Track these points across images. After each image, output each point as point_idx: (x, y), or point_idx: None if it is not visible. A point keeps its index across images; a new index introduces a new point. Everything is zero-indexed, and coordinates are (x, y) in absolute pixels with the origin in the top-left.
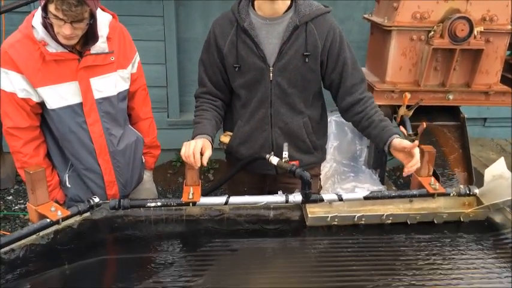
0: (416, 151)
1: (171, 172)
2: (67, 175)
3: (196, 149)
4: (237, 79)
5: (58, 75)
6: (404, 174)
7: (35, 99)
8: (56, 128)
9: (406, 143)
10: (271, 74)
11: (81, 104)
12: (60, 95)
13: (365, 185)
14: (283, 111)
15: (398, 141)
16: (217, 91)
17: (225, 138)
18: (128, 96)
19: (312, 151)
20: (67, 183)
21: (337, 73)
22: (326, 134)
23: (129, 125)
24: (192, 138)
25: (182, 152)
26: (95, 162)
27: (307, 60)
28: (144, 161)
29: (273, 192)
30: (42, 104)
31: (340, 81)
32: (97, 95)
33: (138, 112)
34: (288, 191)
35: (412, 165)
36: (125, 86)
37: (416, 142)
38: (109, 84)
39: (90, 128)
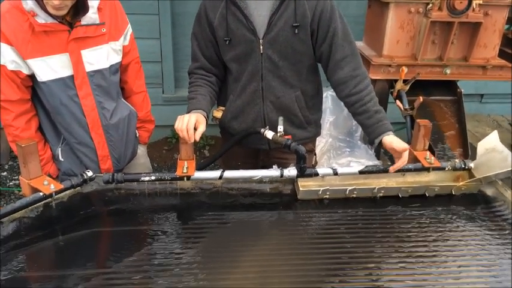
0: (406, 154)
1: (167, 148)
2: (60, 149)
3: (190, 124)
4: (227, 52)
5: (48, 47)
6: (391, 170)
7: (25, 71)
8: (47, 101)
9: (396, 144)
10: (261, 47)
11: (72, 76)
12: (50, 67)
13: (360, 160)
14: (275, 84)
15: (389, 141)
16: (211, 66)
17: (218, 113)
18: (120, 69)
19: (305, 126)
20: (60, 157)
21: (326, 45)
22: (321, 109)
23: (122, 99)
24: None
25: (176, 125)
26: (88, 136)
27: (296, 31)
28: (137, 135)
29: (266, 167)
30: (32, 77)
31: (329, 53)
32: (88, 68)
33: (131, 86)
34: (281, 165)
35: (397, 167)
36: (117, 58)
37: (407, 146)
38: (101, 57)
39: (82, 101)
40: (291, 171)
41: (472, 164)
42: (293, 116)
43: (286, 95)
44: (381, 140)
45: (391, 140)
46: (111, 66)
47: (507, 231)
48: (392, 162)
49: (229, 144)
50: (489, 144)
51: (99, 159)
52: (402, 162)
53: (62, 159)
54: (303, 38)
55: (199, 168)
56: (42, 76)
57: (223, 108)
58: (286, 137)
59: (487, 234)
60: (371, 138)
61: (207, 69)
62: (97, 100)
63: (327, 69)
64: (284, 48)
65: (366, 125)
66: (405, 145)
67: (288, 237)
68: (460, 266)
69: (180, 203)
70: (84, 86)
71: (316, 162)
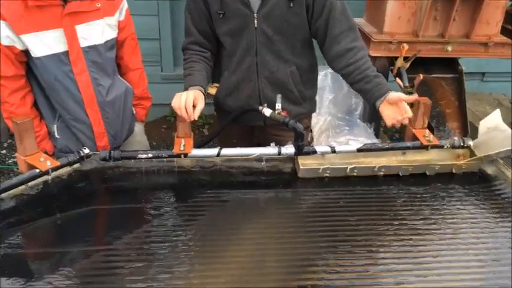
0: (408, 107)
1: (165, 127)
2: (55, 125)
3: (189, 102)
4: (221, 26)
5: (42, 22)
6: (395, 123)
7: (19, 46)
8: (41, 77)
9: (402, 95)
10: (255, 21)
11: (66, 52)
12: (44, 43)
13: (359, 139)
14: (269, 59)
15: (396, 95)
16: (205, 41)
17: (212, 90)
18: (116, 45)
19: (301, 102)
20: (56, 133)
21: (323, 19)
22: (316, 85)
23: (118, 76)
24: (184, 90)
25: (173, 103)
26: (83, 112)
27: (291, 5)
28: (134, 112)
29: (261, 144)
30: (27, 52)
31: (326, 28)
32: (83, 43)
33: (127, 62)
34: (276, 142)
35: (400, 119)
36: (112, 34)
37: (416, 95)
38: (95, 32)
39: (77, 77)
40: (289, 149)
41: (471, 142)
42: (288, 91)
43: (281, 70)
44: (385, 98)
45: (399, 94)
46: (107, 42)
47: (507, 210)
48: (392, 141)
49: (227, 122)
50: (491, 122)
51: (95, 136)
52: (406, 114)
53: (58, 136)
54: (297, 12)
55: (197, 146)
56: (36, 52)
57: (217, 85)
58: (282, 113)
59: (487, 213)
60: (373, 100)
61: (201, 44)
62: (92, 76)
63: (324, 44)
64: (279, 23)
65: (366, 89)
66: (408, 96)
67: (288, 215)
68: (459, 245)
69: (179, 181)
70: (79, 62)
71: (312, 139)
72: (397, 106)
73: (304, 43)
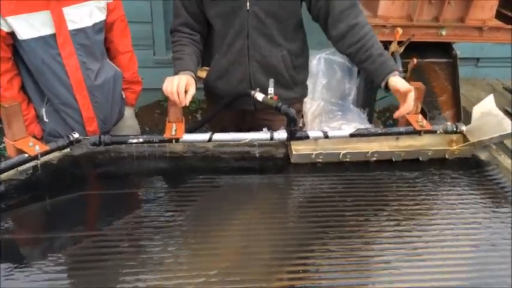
0: (411, 96)
1: (159, 112)
2: (44, 109)
3: (181, 87)
4: (212, 8)
5: (28, 4)
6: (395, 116)
7: (5, 28)
8: (28, 60)
9: (400, 84)
10: (247, 3)
11: (54, 35)
12: (31, 25)
13: (352, 124)
14: (261, 43)
15: (393, 83)
16: (194, 22)
17: (202, 73)
18: (105, 28)
19: (292, 86)
20: (44, 117)
21: (324, 0)
22: (307, 69)
23: (107, 59)
24: (175, 75)
25: (164, 87)
26: (72, 97)
27: None
28: (124, 97)
29: (252, 128)
30: (13, 35)
31: (328, 9)
32: (71, 26)
33: (116, 45)
34: (267, 127)
35: (403, 111)
36: (101, 16)
37: (411, 87)
38: (83, 14)
39: (65, 61)
40: (281, 134)
41: (464, 128)
42: (280, 76)
43: (273, 54)
44: (388, 82)
45: (396, 81)
46: (95, 24)
47: (500, 195)
48: (386, 127)
49: (220, 107)
50: (484, 108)
51: (84, 121)
52: (407, 107)
53: (47, 120)
54: None
55: (189, 130)
56: (22, 34)
57: (207, 68)
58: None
59: (480, 198)
60: (377, 83)
61: (191, 26)
62: (80, 60)
63: (326, 26)
64: (271, 6)
65: (371, 70)
66: (409, 86)
67: (280, 201)
68: (452, 229)
69: (171, 167)
70: (66, 45)
71: (304, 124)
72: (398, 92)
73: (296, 27)
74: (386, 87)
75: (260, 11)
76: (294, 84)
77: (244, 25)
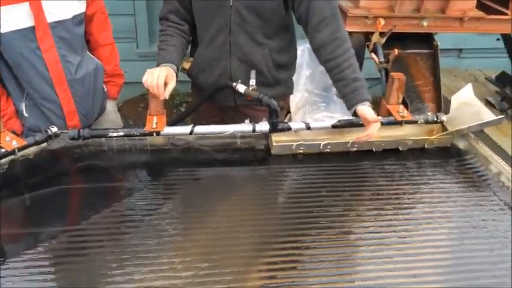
0: (376, 126)
1: (143, 106)
2: (24, 104)
3: (160, 80)
4: (196, 0)
5: None
6: (355, 139)
7: None
8: (7, 54)
9: (368, 114)
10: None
11: (33, 28)
12: (8, 18)
13: (336, 115)
14: (242, 40)
15: (361, 110)
16: (183, 10)
17: (186, 64)
18: (85, 20)
19: (273, 84)
20: (24, 112)
21: (304, 6)
22: (292, 68)
23: (88, 52)
24: (157, 66)
25: (144, 80)
26: (52, 91)
27: None
28: (106, 90)
29: (235, 123)
30: None
31: (307, 16)
32: (50, 18)
33: (96, 38)
34: (250, 121)
35: (362, 137)
36: (80, 8)
37: (378, 118)
38: (63, 7)
39: (44, 54)
40: (263, 126)
41: (444, 117)
42: (260, 74)
43: (254, 52)
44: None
45: (363, 110)
46: (74, 16)
47: (478, 183)
48: None
49: (201, 100)
50: (463, 97)
51: (65, 115)
52: (367, 134)
53: (27, 115)
54: None
55: (171, 124)
56: (0, 27)
57: (192, 59)
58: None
59: (458, 186)
60: (347, 107)
61: (180, 14)
62: (60, 53)
63: (307, 32)
64: (254, 4)
65: (343, 93)
66: (376, 116)
67: (261, 193)
68: (433, 218)
69: (151, 160)
70: (46, 38)
71: (290, 120)
72: (365, 120)
73: (280, 26)
74: (355, 114)
75: (243, 8)
76: (276, 83)
77: (227, 21)
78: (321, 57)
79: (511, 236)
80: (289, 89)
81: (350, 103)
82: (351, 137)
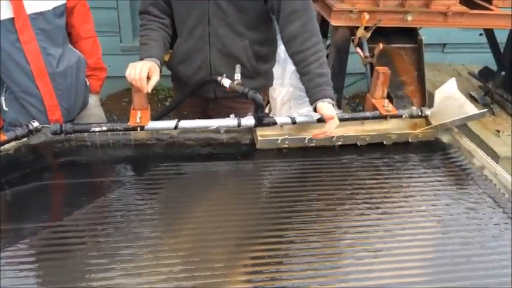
0: (333, 122)
1: (127, 100)
2: (3, 98)
3: (143, 74)
4: None
5: None
6: (312, 135)
7: None
8: None
9: (324, 111)
10: None
11: (12, 19)
12: None
13: None
14: (222, 31)
15: (320, 107)
16: (163, 3)
17: (166, 56)
18: (66, 12)
19: (254, 76)
20: (4, 106)
21: None
22: (272, 60)
23: (69, 45)
24: (140, 60)
25: (127, 73)
26: (33, 85)
27: None
28: (88, 84)
29: (215, 116)
30: None
31: (279, 7)
32: (30, 10)
33: (78, 30)
34: (233, 114)
35: (319, 133)
36: (61, 0)
37: (334, 115)
38: None
39: (24, 47)
40: (249, 121)
41: (428, 112)
42: (241, 65)
43: (234, 43)
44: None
45: (322, 107)
46: (55, 8)
47: (461, 177)
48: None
49: (186, 94)
50: (446, 91)
51: (47, 110)
52: (324, 131)
53: (6, 109)
54: None
55: (155, 118)
56: None
57: (171, 51)
58: None
59: (442, 180)
60: (309, 101)
61: (161, 8)
62: (41, 45)
63: (278, 23)
64: None
65: (306, 87)
66: (333, 114)
67: (246, 187)
68: (417, 211)
69: (135, 155)
70: (26, 30)
71: (270, 111)
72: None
73: (260, 17)
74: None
75: None
76: (257, 74)
77: (205, 12)
78: (290, 49)
79: (497, 229)
80: (269, 80)
81: (312, 98)
82: (336, 131)
